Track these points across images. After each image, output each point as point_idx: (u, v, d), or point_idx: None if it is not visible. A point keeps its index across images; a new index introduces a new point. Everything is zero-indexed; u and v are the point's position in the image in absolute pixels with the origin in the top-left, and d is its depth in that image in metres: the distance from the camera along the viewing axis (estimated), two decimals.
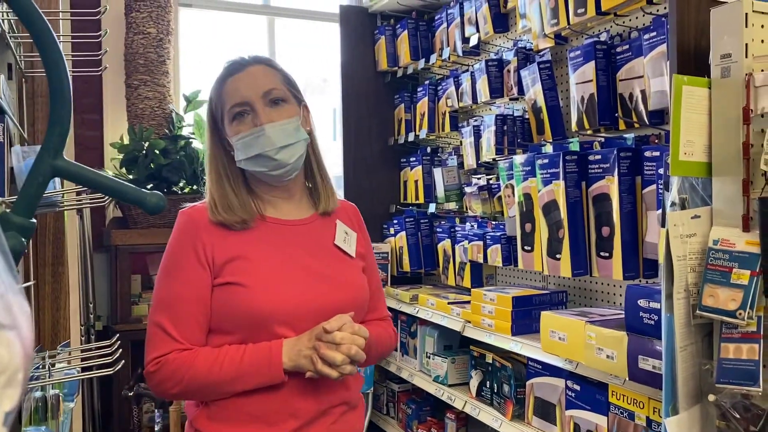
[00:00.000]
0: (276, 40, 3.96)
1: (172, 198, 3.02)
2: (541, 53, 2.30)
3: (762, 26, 1.23)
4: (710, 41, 1.28)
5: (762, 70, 1.21)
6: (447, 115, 2.87)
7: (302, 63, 4.21)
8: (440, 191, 2.83)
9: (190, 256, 1.24)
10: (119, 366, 1.33)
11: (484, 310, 2.24)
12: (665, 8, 1.80)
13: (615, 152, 1.83)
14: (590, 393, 1.82)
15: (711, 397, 1.22)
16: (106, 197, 1.47)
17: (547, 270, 2.05)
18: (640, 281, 1.89)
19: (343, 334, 1.20)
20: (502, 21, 2.56)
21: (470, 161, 2.65)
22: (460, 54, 2.74)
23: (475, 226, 2.62)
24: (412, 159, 3.19)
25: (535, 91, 2.26)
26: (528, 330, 2.12)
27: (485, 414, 2.25)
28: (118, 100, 3.33)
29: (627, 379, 1.61)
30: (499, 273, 2.72)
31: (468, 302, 2.40)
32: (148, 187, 3.03)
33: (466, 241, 2.61)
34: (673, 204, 1.28)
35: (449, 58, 2.80)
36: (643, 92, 1.87)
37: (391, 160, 3.34)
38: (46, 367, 1.20)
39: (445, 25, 2.87)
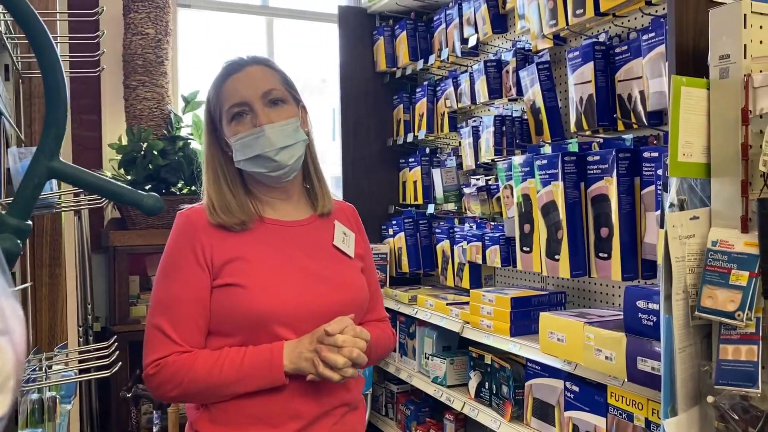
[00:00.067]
0: (274, 40, 3.96)
1: (170, 199, 3.01)
2: (540, 54, 2.30)
3: (761, 27, 1.23)
4: (709, 42, 1.28)
5: (761, 71, 1.21)
6: (446, 115, 2.87)
7: (301, 64, 4.21)
8: (439, 192, 2.83)
9: (189, 258, 1.24)
10: (116, 368, 1.32)
11: (482, 311, 2.24)
12: (664, 9, 1.80)
13: (614, 153, 1.83)
14: (589, 394, 1.82)
15: (710, 399, 1.22)
16: (104, 199, 1.47)
17: (545, 271, 2.04)
18: (638, 282, 1.88)
19: (344, 336, 1.19)
20: (500, 22, 2.56)
21: (469, 162, 2.65)
22: (459, 55, 2.74)
23: (474, 226, 2.62)
24: (410, 160, 3.19)
25: (533, 92, 2.26)
26: (527, 331, 2.12)
27: (484, 415, 2.25)
28: (117, 100, 3.33)
29: (626, 380, 1.61)
30: (498, 274, 2.71)
31: (467, 303, 2.39)
32: (147, 188, 3.03)
33: (465, 242, 2.61)
34: (671, 205, 1.27)
35: (448, 58, 2.80)
36: (641, 93, 1.87)
37: (390, 160, 3.34)
38: (43, 369, 1.20)
39: (443, 25, 2.87)
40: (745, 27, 1.21)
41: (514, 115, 2.47)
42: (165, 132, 3.21)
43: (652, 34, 1.79)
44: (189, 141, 3.19)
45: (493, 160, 2.48)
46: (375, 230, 3.22)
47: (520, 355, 2.06)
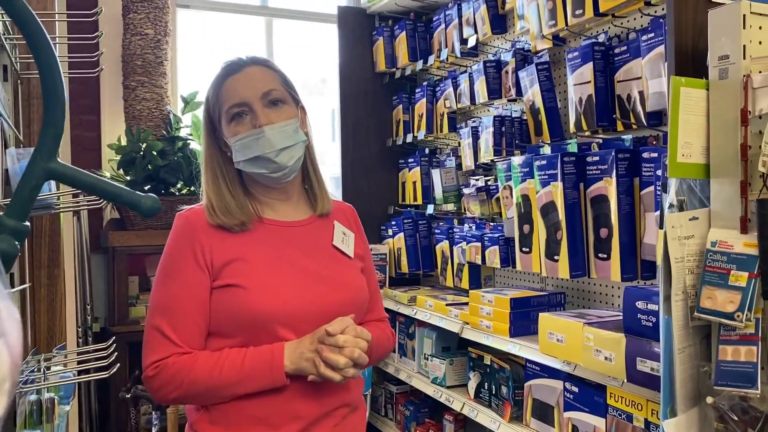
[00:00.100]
0: (274, 41, 3.96)
1: (169, 199, 3.01)
2: (539, 54, 2.30)
3: (760, 28, 1.22)
4: (708, 43, 1.28)
5: (760, 72, 1.21)
6: (445, 116, 2.87)
7: (300, 64, 4.21)
8: (438, 192, 2.83)
9: (189, 259, 1.23)
10: (114, 369, 1.32)
11: (482, 311, 2.24)
12: (663, 9, 1.80)
13: (613, 153, 1.83)
14: (588, 395, 1.82)
15: (709, 400, 1.22)
16: (102, 200, 1.46)
17: (545, 271, 2.04)
18: (638, 283, 1.88)
19: (345, 337, 1.19)
20: (500, 22, 2.56)
21: (468, 162, 2.65)
22: (458, 55, 2.74)
23: (474, 227, 2.62)
24: (410, 160, 3.19)
25: (533, 93, 2.26)
26: (526, 331, 2.11)
27: (483, 416, 2.25)
28: (116, 101, 3.32)
29: (625, 380, 1.60)
30: (498, 274, 2.71)
31: (466, 304, 2.39)
32: (146, 188, 3.02)
33: (465, 243, 2.61)
34: (671, 206, 1.27)
35: (447, 59, 2.80)
36: (641, 93, 1.87)
37: (390, 161, 3.33)
38: (42, 370, 1.19)
39: (443, 26, 2.87)
40: (744, 27, 1.21)
41: (513, 115, 2.47)
42: (164, 132, 3.21)
43: (652, 35, 1.79)
44: (188, 141, 3.19)
45: (492, 161, 2.48)
46: (374, 231, 3.21)
47: (519, 355, 2.06)
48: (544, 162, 2.01)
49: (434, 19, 2.97)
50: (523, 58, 2.39)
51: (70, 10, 2.46)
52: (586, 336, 1.71)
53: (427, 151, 3.11)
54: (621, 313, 1.66)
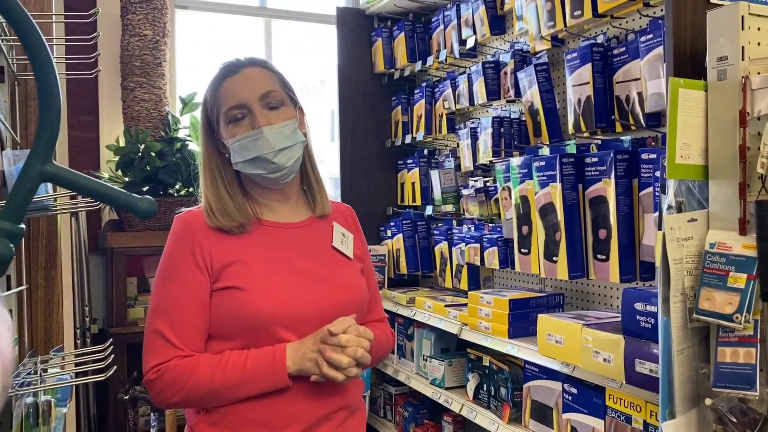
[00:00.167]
0: (273, 42, 3.96)
1: (168, 200, 3.01)
2: (538, 55, 2.30)
3: (758, 29, 1.22)
4: (707, 44, 1.28)
5: (758, 73, 1.21)
6: (444, 117, 2.87)
7: (299, 65, 4.20)
8: (437, 193, 2.83)
9: (188, 261, 1.23)
10: (111, 371, 1.31)
11: (481, 312, 2.23)
12: (662, 10, 1.80)
13: (612, 155, 1.83)
14: (587, 396, 1.82)
15: (708, 401, 1.21)
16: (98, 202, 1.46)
17: (543, 272, 2.04)
18: (637, 284, 1.88)
19: (348, 336, 1.19)
20: (498, 23, 2.56)
21: (467, 163, 2.65)
22: (457, 56, 2.73)
23: (472, 228, 2.62)
24: (409, 161, 3.18)
25: (531, 93, 2.25)
26: (525, 333, 2.11)
27: (482, 417, 2.24)
28: (114, 102, 3.32)
29: (624, 382, 1.60)
30: (497, 275, 2.71)
31: (465, 305, 2.39)
32: (144, 189, 3.02)
33: (463, 244, 2.61)
34: (669, 207, 1.27)
35: (446, 60, 2.80)
36: (639, 94, 1.87)
37: (388, 162, 3.33)
38: (38, 372, 1.19)
39: (441, 27, 2.87)
40: (742, 29, 1.21)
41: (512, 116, 2.46)
42: (162, 133, 3.20)
43: (650, 36, 1.78)
44: (187, 142, 3.18)
45: (491, 162, 2.48)
46: (373, 231, 3.21)
47: (518, 357, 2.06)
48: (542, 163, 2.00)
49: (433, 20, 2.97)
50: (522, 59, 2.39)
51: (68, 11, 2.46)
52: (584, 337, 1.71)
53: (425, 152, 3.11)
54: (620, 315, 1.65)
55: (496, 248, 2.40)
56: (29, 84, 1.49)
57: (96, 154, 3.39)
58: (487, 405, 2.29)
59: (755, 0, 1.26)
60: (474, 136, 2.60)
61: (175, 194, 3.14)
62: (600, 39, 2.06)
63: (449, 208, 2.77)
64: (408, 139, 3.13)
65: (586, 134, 2.05)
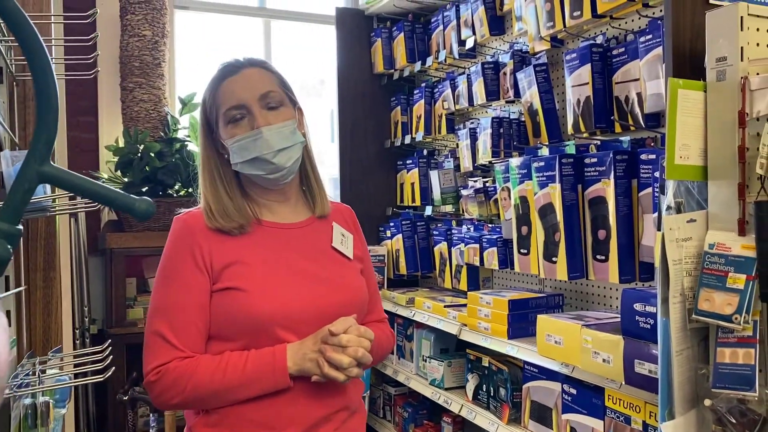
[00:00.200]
0: (272, 42, 3.96)
1: (167, 201, 3.01)
2: (537, 56, 2.30)
3: (757, 29, 1.22)
4: (706, 44, 1.28)
5: (757, 74, 1.21)
6: (443, 117, 2.87)
7: (299, 65, 4.20)
8: (436, 194, 2.83)
9: (188, 262, 1.23)
10: (110, 372, 1.31)
11: (480, 313, 2.23)
12: (661, 11, 1.80)
13: (611, 155, 1.83)
14: (586, 397, 1.81)
15: (707, 402, 1.21)
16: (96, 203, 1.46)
17: (543, 273, 2.04)
18: (636, 285, 1.88)
19: (349, 336, 1.19)
20: (498, 23, 2.56)
21: (466, 164, 2.65)
22: (457, 56, 2.73)
23: (472, 228, 2.62)
24: (408, 161, 3.18)
25: (531, 94, 2.25)
26: (524, 333, 2.11)
27: (481, 418, 2.24)
28: (114, 102, 3.32)
29: (623, 383, 1.60)
30: (496, 276, 2.71)
31: (464, 305, 2.39)
32: (143, 189, 3.02)
33: (463, 244, 2.61)
34: (668, 208, 1.27)
35: (445, 60, 2.80)
36: (639, 95, 1.87)
37: (388, 162, 3.33)
38: (36, 373, 1.19)
39: (441, 27, 2.87)
40: (741, 29, 1.21)
41: (511, 117, 2.46)
42: (162, 134, 3.20)
43: (650, 36, 1.78)
44: (186, 143, 3.18)
45: (490, 162, 2.48)
46: (373, 232, 3.21)
47: (517, 357, 2.06)
48: (542, 163, 2.00)
49: (432, 20, 2.97)
50: (521, 59, 2.38)
51: (67, 12, 2.45)
52: (584, 338, 1.71)
53: (425, 152, 3.11)
54: (619, 315, 1.65)
55: (495, 249, 2.40)
56: (28, 85, 1.49)
57: (95, 154, 3.39)
58: (486, 405, 2.28)
59: (754, 0, 1.26)
60: (473, 137, 2.60)
61: (175, 195, 3.14)
62: (599, 39, 2.06)
63: (449, 208, 2.77)
64: (407, 140, 3.13)
65: (585, 135, 2.05)
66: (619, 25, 2.05)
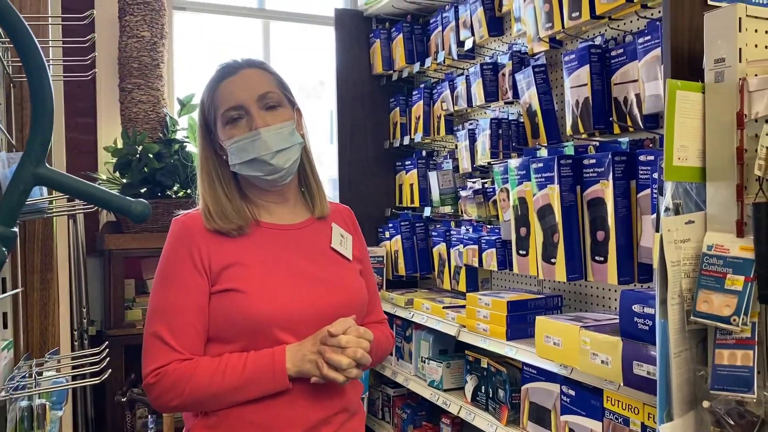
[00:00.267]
0: (271, 43, 3.95)
1: (165, 202, 3.00)
2: (536, 57, 2.30)
3: (756, 31, 1.22)
4: (704, 46, 1.28)
5: (756, 75, 1.21)
6: (442, 118, 2.87)
7: (298, 66, 4.20)
8: (435, 195, 2.82)
9: (186, 264, 1.23)
10: (106, 375, 1.31)
11: (479, 314, 2.23)
12: (659, 12, 1.80)
13: (610, 156, 1.83)
14: (585, 398, 1.81)
15: (705, 404, 1.21)
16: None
17: (542, 274, 2.04)
18: (635, 286, 1.88)
19: (348, 337, 1.18)
20: (497, 24, 2.56)
21: (465, 165, 2.65)
22: (455, 57, 2.73)
23: (471, 230, 2.62)
24: (407, 162, 3.18)
25: (530, 95, 2.25)
26: (523, 335, 2.11)
27: (480, 419, 2.24)
28: (112, 103, 3.31)
29: (622, 384, 1.60)
30: (495, 277, 2.71)
31: (463, 306, 2.39)
32: (142, 191, 3.02)
33: (462, 245, 2.60)
34: (667, 209, 1.27)
35: (444, 61, 2.80)
36: (637, 96, 1.87)
37: (387, 163, 3.33)
38: (33, 375, 1.19)
39: (440, 28, 2.87)
40: (740, 30, 1.21)
41: (510, 118, 2.46)
42: (160, 135, 3.20)
43: (648, 37, 1.78)
44: (185, 144, 3.18)
45: (489, 163, 2.48)
46: (371, 233, 3.21)
47: (516, 359, 2.05)
48: (540, 164, 2.00)
49: (431, 21, 2.97)
50: (520, 60, 2.38)
51: (66, 13, 2.45)
52: (582, 339, 1.71)
53: (424, 153, 3.11)
54: (618, 317, 1.65)
55: (494, 250, 2.40)
56: (25, 86, 1.48)
57: (94, 155, 3.38)
58: (485, 407, 2.28)
59: (753, 2, 1.26)
60: (472, 138, 2.60)
61: (173, 196, 3.13)
62: (598, 40, 2.06)
63: (447, 209, 2.77)
64: (406, 141, 3.13)
65: (584, 136, 2.05)
66: (618, 26, 2.05)
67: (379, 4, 3.15)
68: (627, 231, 1.83)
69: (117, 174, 3.09)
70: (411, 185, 3.13)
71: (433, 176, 2.84)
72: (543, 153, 2.12)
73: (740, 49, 1.21)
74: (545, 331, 1.85)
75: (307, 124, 1.40)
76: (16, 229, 0.66)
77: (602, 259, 1.87)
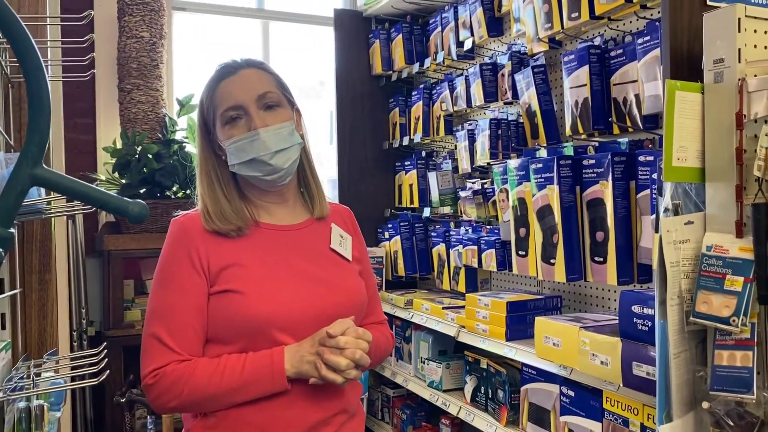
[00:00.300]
0: (270, 43, 3.95)
1: (165, 202, 3.00)
2: (536, 57, 2.30)
3: (755, 31, 1.22)
4: (703, 46, 1.27)
5: (755, 75, 1.20)
6: (441, 119, 2.87)
7: (297, 67, 4.20)
8: (435, 195, 2.82)
9: (185, 265, 1.23)
10: (104, 376, 1.31)
11: (478, 315, 2.23)
12: (659, 12, 1.79)
13: (609, 157, 1.83)
14: (585, 399, 1.81)
15: (705, 405, 1.21)
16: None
17: (541, 275, 2.04)
18: (634, 286, 1.88)
19: (347, 338, 1.18)
20: (496, 25, 2.56)
21: (465, 165, 2.65)
22: (455, 58, 2.73)
23: (470, 230, 2.61)
24: (406, 163, 3.18)
25: (529, 95, 2.25)
26: (522, 335, 2.11)
27: (480, 420, 2.24)
28: (111, 104, 3.31)
29: (621, 385, 1.60)
30: (494, 278, 2.71)
31: (462, 307, 2.39)
32: (141, 191, 3.02)
33: (461, 246, 2.60)
34: (666, 210, 1.27)
35: (444, 62, 2.80)
36: (637, 96, 1.86)
37: (386, 164, 3.33)
38: (31, 376, 1.18)
39: (439, 29, 2.86)
40: (739, 31, 1.21)
41: (509, 118, 2.46)
42: (160, 135, 3.20)
43: (648, 38, 1.78)
44: (184, 144, 3.18)
45: (488, 164, 2.48)
46: (371, 233, 3.21)
47: (515, 359, 2.05)
48: (540, 165, 2.00)
49: (431, 21, 2.97)
50: (519, 60, 2.38)
51: (65, 13, 2.45)
52: (582, 340, 1.70)
53: (423, 153, 3.11)
54: (617, 317, 1.65)
55: (493, 250, 2.40)
56: (23, 87, 1.48)
57: (93, 156, 3.38)
58: (484, 408, 2.28)
59: (752, 2, 1.26)
60: (471, 138, 2.60)
61: (172, 196, 3.13)
62: (597, 41, 2.06)
63: (447, 210, 2.77)
64: (406, 141, 3.13)
65: (583, 136, 2.05)
66: (617, 26, 2.05)
67: (379, 5, 3.15)
68: (626, 231, 1.83)
69: (116, 174, 3.08)
70: (410, 186, 3.13)
71: (432, 177, 2.84)
72: (542, 153, 2.12)
73: (739, 49, 1.21)
74: (545, 331, 1.85)
75: (306, 124, 1.40)
76: (13, 230, 0.65)
77: (602, 259, 1.87)
